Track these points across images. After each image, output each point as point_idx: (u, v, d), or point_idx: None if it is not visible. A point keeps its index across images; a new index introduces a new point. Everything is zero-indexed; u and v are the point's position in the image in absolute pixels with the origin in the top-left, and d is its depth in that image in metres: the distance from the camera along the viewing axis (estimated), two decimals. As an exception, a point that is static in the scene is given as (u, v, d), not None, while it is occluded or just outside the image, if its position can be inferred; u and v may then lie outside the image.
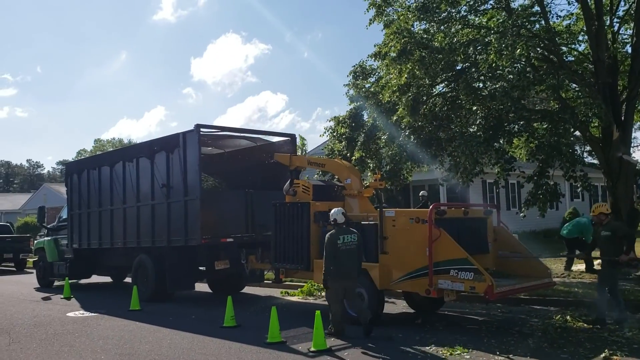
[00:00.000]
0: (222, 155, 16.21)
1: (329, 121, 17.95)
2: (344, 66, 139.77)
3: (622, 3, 14.96)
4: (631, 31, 14.68)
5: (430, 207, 9.36)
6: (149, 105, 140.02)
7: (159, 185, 13.53)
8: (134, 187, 14.41)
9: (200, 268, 14.28)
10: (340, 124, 17.42)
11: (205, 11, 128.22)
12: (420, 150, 14.35)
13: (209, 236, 12.67)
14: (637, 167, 15.63)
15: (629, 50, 14.82)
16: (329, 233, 9.12)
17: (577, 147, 25.61)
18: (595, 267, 13.98)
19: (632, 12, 14.41)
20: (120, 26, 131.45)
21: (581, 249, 14.30)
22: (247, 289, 15.38)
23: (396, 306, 11.90)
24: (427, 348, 8.16)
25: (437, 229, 9.04)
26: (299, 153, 18.61)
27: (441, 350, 7.94)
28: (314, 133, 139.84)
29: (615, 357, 7.30)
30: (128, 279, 17.24)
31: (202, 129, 12.87)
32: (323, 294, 13.27)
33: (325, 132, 17.96)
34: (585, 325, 9.22)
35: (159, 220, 13.58)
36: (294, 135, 14.86)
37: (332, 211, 9.35)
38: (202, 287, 15.29)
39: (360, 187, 11.32)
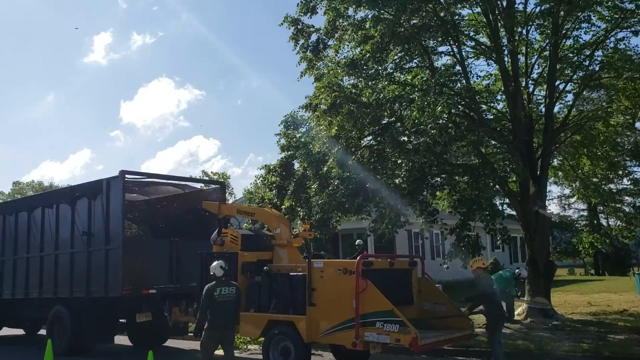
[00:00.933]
0: (147, 203, 15.82)
1: (260, 169, 18.02)
2: (277, 114, 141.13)
3: (536, 66, 16.04)
4: (544, 92, 15.69)
5: (357, 258, 9.44)
6: (75, 148, 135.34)
7: (79, 232, 13.02)
8: (52, 234, 13.78)
9: (121, 320, 13.70)
10: (271, 173, 17.51)
11: (138, 55, 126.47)
12: (348, 201, 14.55)
13: (131, 287, 12.20)
14: (552, 220, 16.44)
15: (543, 110, 15.79)
16: (207, 285, 9.34)
17: (497, 201, 26.73)
18: (515, 318, 14.43)
19: (545, 75, 15.45)
20: (49, 68, 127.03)
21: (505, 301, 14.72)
22: (171, 342, 14.81)
23: (323, 359, 11.78)
24: (353, 402, 8.09)
25: (364, 280, 9.11)
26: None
27: (366, 405, 7.89)
28: (246, 179, 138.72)
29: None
30: (43, 331, 16.25)
31: (127, 175, 12.58)
32: (250, 347, 13.01)
33: (255, 181, 17.99)
34: None
35: (78, 269, 12.98)
36: (224, 182, 14.78)
37: (212, 265, 9.50)
38: (122, 339, 14.61)
39: (289, 237, 11.29)
